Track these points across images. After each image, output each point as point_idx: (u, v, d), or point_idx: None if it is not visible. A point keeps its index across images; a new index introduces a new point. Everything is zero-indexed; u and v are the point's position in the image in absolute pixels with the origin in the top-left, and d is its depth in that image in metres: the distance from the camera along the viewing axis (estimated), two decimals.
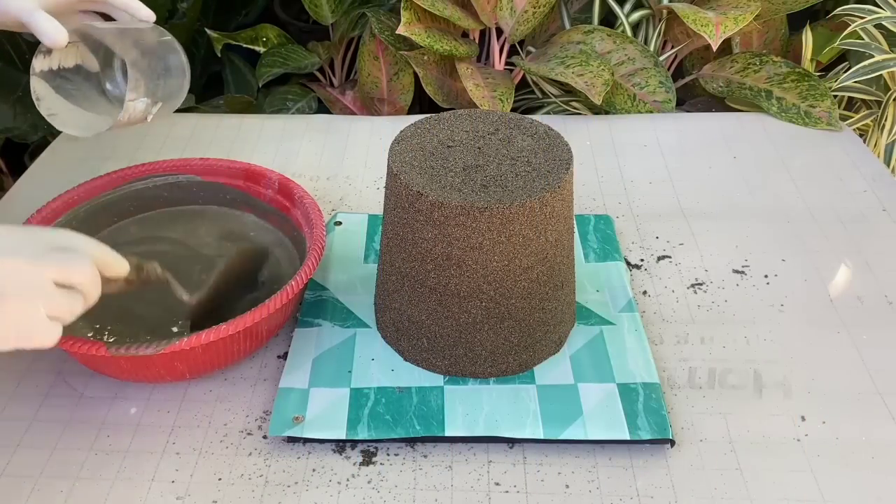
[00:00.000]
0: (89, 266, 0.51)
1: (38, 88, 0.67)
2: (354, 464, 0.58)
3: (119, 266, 0.55)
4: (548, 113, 1.13)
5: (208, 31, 1.26)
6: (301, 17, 1.52)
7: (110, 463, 0.58)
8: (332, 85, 1.35)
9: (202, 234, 0.75)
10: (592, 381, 0.62)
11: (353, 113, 1.27)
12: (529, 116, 0.66)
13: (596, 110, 1.09)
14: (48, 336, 0.49)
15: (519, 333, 0.62)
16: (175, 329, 0.65)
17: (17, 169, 1.28)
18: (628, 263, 0.77)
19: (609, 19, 1.16)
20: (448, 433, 0.58)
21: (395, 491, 0.56)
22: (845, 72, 1.05)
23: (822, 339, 0.68)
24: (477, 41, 1.15)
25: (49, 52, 0.65)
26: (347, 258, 0.76)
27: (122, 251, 0.56)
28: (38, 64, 0.66)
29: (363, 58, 1.20)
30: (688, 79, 1.16)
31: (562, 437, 0.58)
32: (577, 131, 0.98)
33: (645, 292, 0.73)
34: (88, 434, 0.60)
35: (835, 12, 1.11)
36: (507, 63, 1.19)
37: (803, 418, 0.61)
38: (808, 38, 1.14)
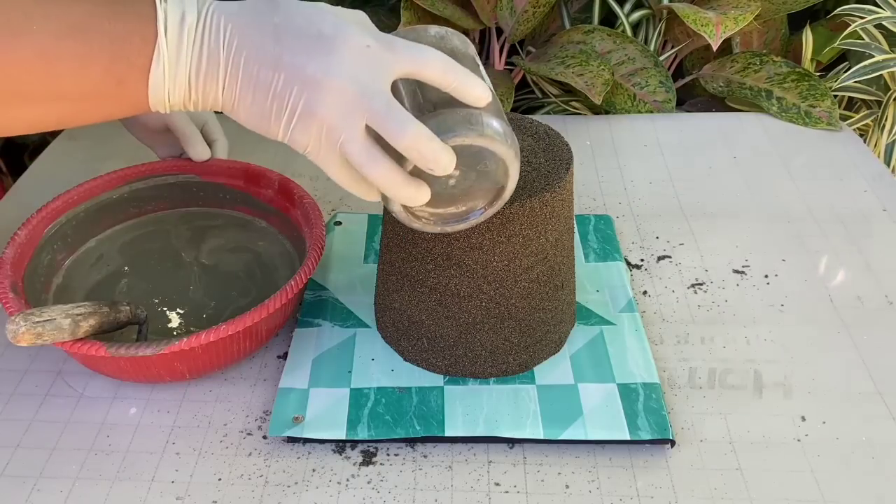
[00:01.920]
0: (451, 62, 0.44)
1: None
2: (354, 464, 0.58)
3: (480, 88, 0.45)
4: (548, 113, 1.13)
5: None
6: None
7: (110, 463, 0.58)
8: None
9: (202, 236, 0.75)
10: (592, 381, 0.62)
11: None
12: (529, 116, 0.66)
13: (596, 110, 1.09)
14: (359, 156, 0.44)
15: (519, 333, 0.62)
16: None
17: (17, 169, 1.28)
18: (628, 263, 0.77)
19: (609, 19, 1.16)
20: (448, 433, 0.58)
21: (395, 491, 0.56)
22: (845, 72, 1.05)
23: (822, 339, 0.68)
24: (477, 41, 1.15)
25: None
26: (347, 258, 0.75)
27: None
28: None
29: None
30: (688, 79, 1.16)
31: (562, 437, 0.58)
32: (577, 131, 0.98)
33: (645, 292, 0.73)
34: (88, 434, 0.60)
35: (835, 12, 1.11)
36: (507, 63, 1.19)
37: (803, 418, 0.61)
38: (808, 38, 1.14)
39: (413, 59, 0.43)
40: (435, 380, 0.63)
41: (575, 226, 0.68)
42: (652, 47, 1.13)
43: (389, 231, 0.63)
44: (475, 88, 0.44)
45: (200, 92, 0.46)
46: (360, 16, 0.46)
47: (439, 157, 0.44)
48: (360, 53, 0.43)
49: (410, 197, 0.47)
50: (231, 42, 0.44)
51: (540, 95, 1.17)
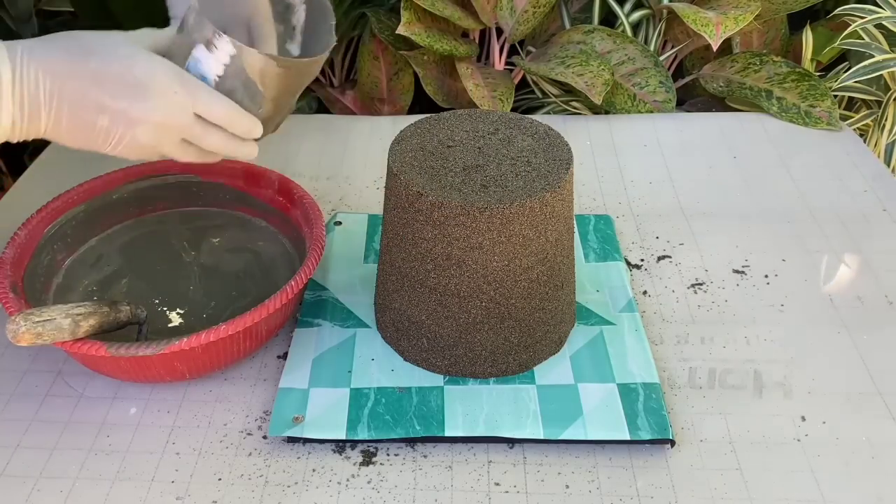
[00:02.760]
0: (228, 106, 0.56)
1: None
2: (354, 464, 0.58)
3: (248, 125, 0.58)
4: (548, 113, 1.13)
5: None
6: None
7: (110, 463, 0.58)
8: (332, 85, 1.35)
9: (202, 236, 0.75)
10: (592, 381, 0.62)
11: (353, 113, 1.27)
12: (529, 116, 0.66)
13: (596, 110, 1.09)
14: (183, 155, 0.56)
15: (519, 333, 0.62)
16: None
17: (17, 169, 1.28)
18: (628, 263, 0.77)
19: (609, 19, 1.16)
20: (448, 433, 0.58)
21: (395, 491, 0.56)
22: (845, 72, 1.05)
23: (822, 339, 0.68)
24: (477, 41, 1.15)
25: None
26: (347, 258, 0.75)
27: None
28: None
29: (363, 58, 1.20)
30: (688, 79, 1.16)
31: (562, 437, 0.58)
32: (577, 131, 0.98)
33: (645, 292, 0.73)
34: (88, 434, 0.60)
35: (835, 12, 1.11)
36: (507, 63, 1.19)
37: (803, 418, 0.61)
38: (808, 38, 1.13)
39: (205, 103, 0.55)
40: (435, 380, 0.63)
41: (575, 226, 0.68)
42: (652, 47, 1.13)
43: (389, 231, 0.63)
44: (246, 128, 0.58)
45: (25, 131, 0.52)
46: (162, 62, 0.55)
47: (247, 132, 0.59)
48: (170, 98, 0.53)
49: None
50: (52, 92, 0.51)
51: (540, 95, 1.17)
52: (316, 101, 1.28)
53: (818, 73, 1.15)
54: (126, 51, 0.53)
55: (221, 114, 0.56)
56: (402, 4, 1.04)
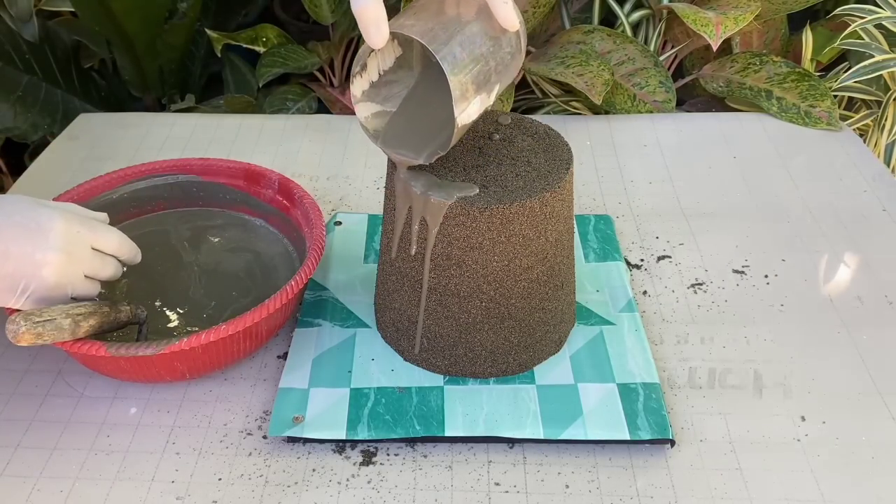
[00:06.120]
0: (120, 236, 0.61)
1: (365, 114, 0.57)
2: (354, 464, 0.58)
3: (134, 251, 0.63)
4: (548, 113, 1.13)
5: (208, 31, 1.26)
6: (301, 17, 1.52)
7: (110, 463, 0.58)
8: (332, 85, 1.35)
9: (202, 236, 0.75)
10: (592, 381, 0.62)
11: (353, 113, 1.26)
12: (529, 116, 0.66)
13: (596, 110, 1.09)
14: (86, 290, 0.59)
15: (519, 333, 0.62)
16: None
17: (17, 169, 1.28)
18: (628, 263, 0.77)
19: (609, 19, 1.16)
20: (448, 433, 0.58)
21: (395, 491, 0.56)
22: (845, 72, 1.05)
23: (822, 339, 0.68)
24: None
25: (364, 65, 0.54)
26: (347, 258, 0.76)
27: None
28: (358, 85, 0.55)
29: None
30: (688, 79, 1.16)
31: (562, 437, 0.58)
32: (577, 131, 0.98)
33: (645, 292, 0.73)
34: (88, 434, 0.60)
35: (835, 12, 1.11)
36: None
37: (803, 418, 0.61)
38: (808, 38, 1.14)
39: (105, 237, 0.60)
40: (435, 380, 0.63)
41: (575, 226, 0.68)
42: (652, 47, 1.13)
43: (389, 231, 0.63)
44: (133, 253, 0.63)
45: None
46: (69, 206, 0.61)
47: (133, 257, 0.64)
48: (73, 237, 0.57)
49: None
50: None
51: (540, 95, 1.17)
52: (316, 101, 1.28)
53: (818, 73, 1.15)
54: (25, 205, 0.56)
55: (116, 244, 0.60)
56: (401, 5, 1.04)
